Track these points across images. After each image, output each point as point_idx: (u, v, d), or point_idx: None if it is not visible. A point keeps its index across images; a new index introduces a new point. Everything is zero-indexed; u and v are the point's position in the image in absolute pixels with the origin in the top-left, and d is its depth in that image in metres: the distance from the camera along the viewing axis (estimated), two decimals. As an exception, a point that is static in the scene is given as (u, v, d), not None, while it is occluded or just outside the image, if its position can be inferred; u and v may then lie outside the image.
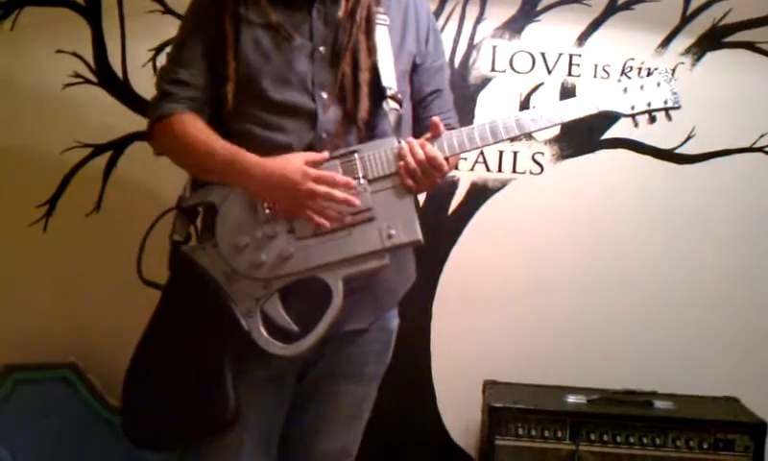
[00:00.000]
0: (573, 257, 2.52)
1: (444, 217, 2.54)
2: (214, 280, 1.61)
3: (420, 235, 1.62)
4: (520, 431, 2.26)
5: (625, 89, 1.66)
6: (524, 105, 2.51)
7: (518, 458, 2.26)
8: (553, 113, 1.66)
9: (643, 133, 2.51)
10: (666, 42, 2.49)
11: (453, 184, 2.53)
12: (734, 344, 2.54)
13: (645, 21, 2.47)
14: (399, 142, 1.64)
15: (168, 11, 2.41)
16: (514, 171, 2.53)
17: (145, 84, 2.44)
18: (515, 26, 2.50)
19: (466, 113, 2.51)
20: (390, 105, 1.67)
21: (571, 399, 2.34)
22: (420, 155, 1.60)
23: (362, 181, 1.61)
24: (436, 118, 1.65)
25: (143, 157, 2.42)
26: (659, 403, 2.34)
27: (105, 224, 2.48)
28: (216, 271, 1.62)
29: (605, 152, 2.52)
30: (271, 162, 1.60)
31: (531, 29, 2.50)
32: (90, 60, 2.45)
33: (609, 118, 2.49)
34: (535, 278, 2.53)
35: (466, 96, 2.51)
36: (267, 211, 1.61)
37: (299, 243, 1.60)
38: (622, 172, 2.53)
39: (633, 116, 1.67)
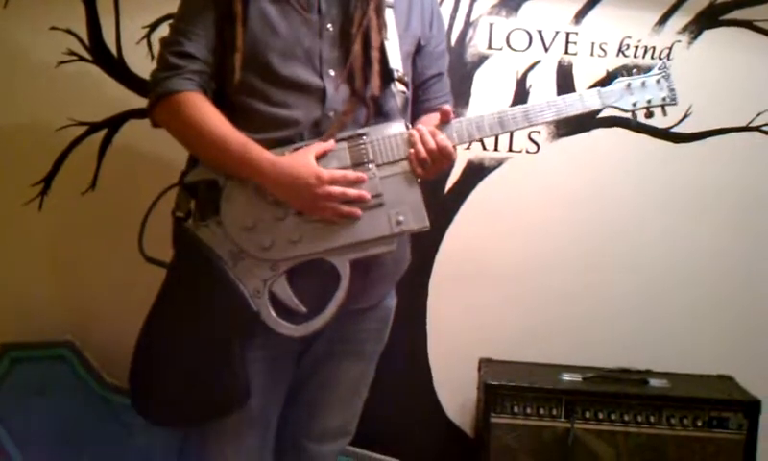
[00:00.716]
0: (569, 236, 2.52)
1: (439, 196, 2.53)
2: (220, 259, 1.60)
3: (427, 222, 1.65)
4: (516, 409, 2.27)
5: (629, 86, 1.71)
6: (521, 83, 2.50)
7: (514, 436, 2.27)
8: (561, 106, 1.70)
9: (640, 112, 2.51)
10: (663, 20, 2.48)
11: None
12: (729, 322, 2.54)
13: (642, -1, 2.46)
14: (408, 126, 1.64)
15: (163, -13, 2.40)
16: (510, 150, 2.52)
17: (140, 62, 2.43)
18: (511, 3, 2.48)
19: (462, 91, 2.50)
20: (397, 87, 1.67)
21: (566, 377, 2.35)
22: (432, 144, 1.61)
23: (371, 166, 1.62)
24: (446, 106, 1.66)
25: (138, 134, 2.45)
26: (653, 382, 2.35)
27: (100, 202, 2.47)
28: (222, 249, 1.61)
29: (601, 130, 2.51)
30: (282, 162, 1.59)
31: (528, 6, 2.48)
32: (84, 37, 2.43)
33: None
34: (531, 256, 2.53)
35: (462, 74, 2.50)
36: (272, 196, 1.61)
37: (307, 226, 1.60)
38: (618, 151, 2.52)
39: (633, 112, 1.74)
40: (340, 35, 1.67)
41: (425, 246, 2.54)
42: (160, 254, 1.72)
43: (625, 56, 2.48)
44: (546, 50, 2.50)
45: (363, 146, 1.62)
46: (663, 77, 1.72)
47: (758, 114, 2.49)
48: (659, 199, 2.53)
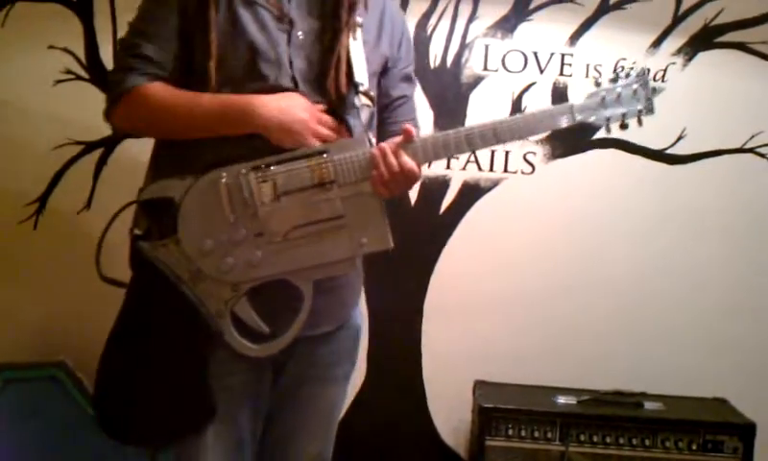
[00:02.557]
0: (564, 258, 2.52)
1: (435, 216, 2.54)
2: (180, 280, 1.56)
3: (391, 243, 1.59)
4: (510, 432, 2.27)
5: (603, 100, 1.62)
6: (516, 104, 2.51)
7: (508, 459, 2.27)
8: (532, 123, 1.62)
9: (634, 134, 2.50)
10: (658, 42, 2.49)
11: (445, 183, 2.53)
12: (724, 345, 2.54)
13: (637, 21, 2.47)
14: (371, 142, 1.60)
15: (159, 8, 2.40)
16: (505, 170, 2.53)
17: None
18: (507, 25, 2.50)
19: (458, 112, 2.52)
20: (362, 100, 1.64)
21: (561, 399, 2.34)
22: (395, 166, 1.56)
23: (333, 186, 1.57)
24: (408, 125, 1.60)
25: (134, 154, 2.44)
26: (648, 404, 2.35)
27: (95, 221, 2.46)
28: (181, 269, 1.56)
29: (596, 152, 2.52)
30: (274, 99, 1.56)
31: (523, 28, 2.50)
32: (82, 56, 2.44)
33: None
34: (526, 278, 2.53)
35: (458, 95, 2.51)
36: (232, 216, 1.55)
37: (268, 247, 1.55)
38: (614, 172, 2.53)
39: (607, 125, 1.64)
40: (311, 42, 1.64)
41: (420, 267, 2.55)
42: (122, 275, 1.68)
43: (616, 79, 2.48)
44: (542, 71, 2.51)
45: (325, 166, 1.56)
46: (641, 86, 1.61)
47: (753, 136, 2.51)
48: (654, 220, 2.53)
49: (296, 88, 1.61)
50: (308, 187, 1.56)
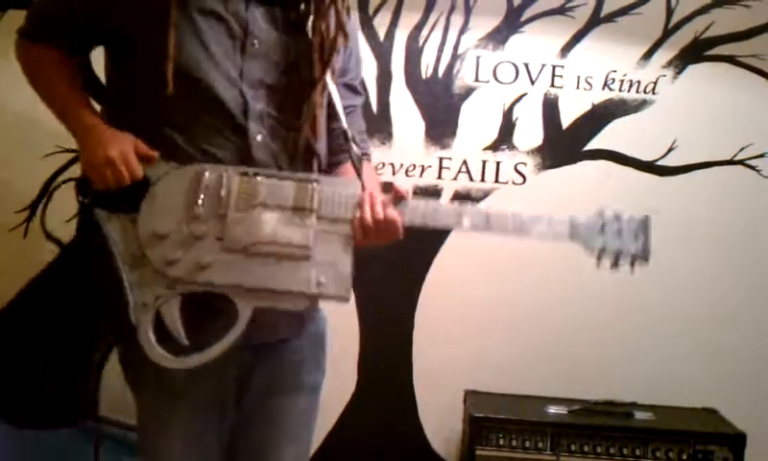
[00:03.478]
0: (555, 268, 2.52)
1: (426, 227, 2.53)
2: (119, 258, 1.46)
3: (349, 296, 1.50)
4: (501, 441, 2.27)
5: (602, 227, 1.57)
6: (507, 115, 2.52)
7: (499, 468, 2.27)
8: (526, 224, 1.56)
9: (625, 145, 2.54)
10: (649, 55, 2.51)
11: (436, 193, 2.53)
12: (714, 355, 2.55)
13: (628, 34, 2.49)
14: (363, 188, 1.54)
15: (152, 16, 2.40)
16: (496, 181, 2.54)
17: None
18: (498, 37, 2.51)
19: (449, 123, 2.53)
20: (353, 149, 1.60)
21: (552, 409, 2.34)
22: (380, 214, 1.49)
23: (312, 216, 1.50)
24: (403, 189, 1.53)
25: (125, 163, 2.44)
26: (639, 414, 2.35)
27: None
28: (125, 248, 1.46)
29: (587, 163, 2.53)
30: (103, 128, 1.54)
31: (515, 40, 2.51)
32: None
33: (591, 128, 2.52)
34: (517, 288, 2.53)
35: (449, 106, 2.52)
36: (200, 210, 1.47)
37: (222, 254, 1.46)
38: (604, 183, 2.54)
39: (599, 254, 1.59)
40: (264, 55, 1.56)
41: (412, 277, 2.55)
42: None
43: (610, 89, 2.51)
44: (533, 83, 2.52)
45: (311, 191, 1.50)
46: (642, 231, 1.57)
47: (742, 148, 2.52)
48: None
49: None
50: (287, 207, 1.49)
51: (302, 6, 1.60)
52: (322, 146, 1.61)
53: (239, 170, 1.49)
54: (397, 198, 1.52)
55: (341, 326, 2.40)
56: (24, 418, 1.58)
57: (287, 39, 1.58)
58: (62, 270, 1.55)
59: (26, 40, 1.63)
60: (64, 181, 2.47)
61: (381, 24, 2.51)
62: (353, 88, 1.74)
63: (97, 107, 1.62)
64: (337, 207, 1.50)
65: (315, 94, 1.57)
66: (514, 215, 1.57)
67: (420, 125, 2.53)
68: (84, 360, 1.52)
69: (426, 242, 2.54)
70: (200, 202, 1.47)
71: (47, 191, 2.46)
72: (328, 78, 1.60)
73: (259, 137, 1.53)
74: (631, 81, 2.52)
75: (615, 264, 1.58)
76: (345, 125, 1.62)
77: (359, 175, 1.61)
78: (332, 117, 1.66)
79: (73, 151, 2.45)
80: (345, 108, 1.68)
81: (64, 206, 2.45)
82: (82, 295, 1.50)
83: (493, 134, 2.53)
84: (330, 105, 1.65)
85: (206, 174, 1.48)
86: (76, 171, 2.46)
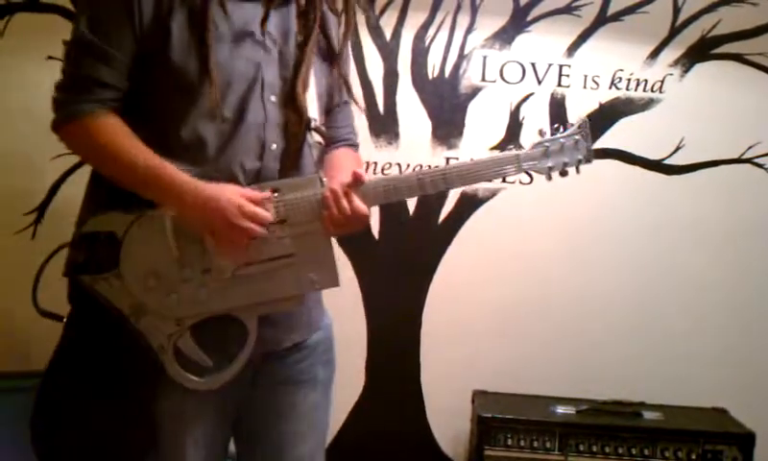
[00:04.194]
0: (563, 267, 2.52)
1: (433, 227, 2.54)
2: (121, 315, 1.51)
3: (338, 282, 1.58)
4: (509, 442, 2.26)
5: (547, 150, 1.63)
6: (514, 114, 2.52)
7: (507, 469, 2.26)
8: (480, 170, 1.61)
9: (633, 144, 2.53)
10: (655, 54, 2.50)
11: (443, 194, 2.53)
12: (723, 354, 2.55)
13: (635, 32, 2.49)
14: (322, 181, 1.57)
15: (159, 18, 2.41)
16: (503, 181, 2.53)
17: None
18: (505, 36, 2.51)
19: (456, 123, 2.53)
20: (314, 137, 1.61)
21: (560, 409, 2.34)
22: (347, 209, 1.52)
23: (284, 225, 1.54)
24: (359, 171, 1.55)
25: (132, 164, 2.44)
26: (647, 414, 2.34)
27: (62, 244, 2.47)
28: (122, 303, 1.51)
29: (595, 162, 2.51)
30: (203, 187, 1.48)
31: (521, 39, 2.51)
32: (81, 67, 2.44)
33: (598, 128, 2.52)
34: (524, 288, 2.53)
35: (456, 105, 2.52)
36: (177, 252, 1.50)
37: (214, 284, 1.51)
38: (612, 182, 2.53)
39: (548, 175, 1.66)
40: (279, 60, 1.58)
41: (419, 277, 2.55)
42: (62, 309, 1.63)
43: (617, 88, 2.50)
44: (539, 82, 2.52)
45: (276, 205, 1.53)
46: (582, 137, 1.63)
47: (750, 147, 2.51)
48: (651, 230, 2.54)
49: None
50: None
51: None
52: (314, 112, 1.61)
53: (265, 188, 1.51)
54: (357, 183, 1.54)
55: (349, 326, 2.41)
56: None
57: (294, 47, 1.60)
58: (76, 343, 1.57)
59: (74, 120, 1.51)
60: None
61: (388, 24, 2.51)
62: (344, 83, 1.74)
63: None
64: (304, 211, 1.55)
65: (306, 60, 1.58)
66: (465, 166, 1.61)
67: (427, 125, 2.53)
68: (131, 408, 1.57)
69: (434, 242, 2.54)
70: (174, 247, 1.49)
71: (55, 193, 2.47)
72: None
73: (274, 146, 1.56)
74: (638, 80, 2.51)
75: (563, 173, 1.65)
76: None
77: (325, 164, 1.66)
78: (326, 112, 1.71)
79: (81, 153, 2.46)
80: (338, 104, 1.73)
81: (72, 208, 2.47)
82: (106, 356, 1.53)
83: (500, 134, 2.53)
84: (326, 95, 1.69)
85: (169, 215, 1.49)
86: (83, 173, 2.47)
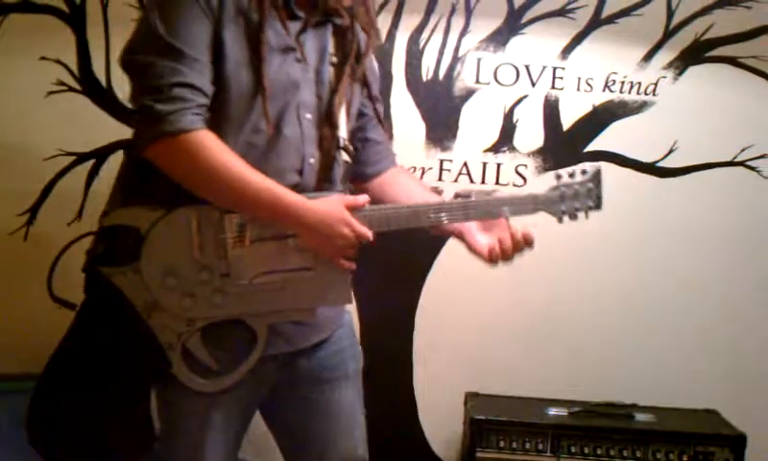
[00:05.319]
0: (556, 270, 2.52)
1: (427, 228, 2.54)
2: (133, 309, 1.52)
3: (351, 299, 1.65)
4: (502, 444, 2.27)
5: (562, 196, 1.71)
6: (508, 117, 2.52)
7: (500, 471, 2.27)
8: (497, 207, 1.68)
9: (626, 147, 2.53)
10: (649, 56, 2.50)
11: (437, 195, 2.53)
12: (714, 357, 2.55)
13: (628, 35, 2.49)
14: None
15: (152, 19, 2.41)
16: (497, 182, 2.54)
17: (129, 93, 2.43)
18: (499, 38, 2.51)
19: (450, 125, 2.53)
20: (342, 156, 1.64)
21: (552, 411, 2.34)
22: (351, 236, 1.55)
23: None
24: (358, 200, 1.59)
25: (126, 165, 2.44)
26: (639, 416, 2.35)
27: (86, 232, 2.47)
28: (137, 298, 1.52)
29: (587, 164, 2.51)
30: (316, 206, 1.52)
31: (515, 42, 2.51)
32: (74, 67, 2.44)
33: (592, 130, 2.52)
34: (517, 290, 2.53)
35: (450, 108, 2.52)
36: (199, 254, 1.51)
37: (231, 289, 1.53)
38: (605, 185, 2.53)
39: (560, 218, 1.74)
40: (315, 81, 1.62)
41: (413, 278, 2.55)
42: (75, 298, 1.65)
43: (611, 91, 2.51)
44: (533, 85, 2.52)
45: None
46: (595, 185, 1.73)
47: (743, 149, 2.52)
48: (644, 233, 2.54)
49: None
50: (281, 236, 1.55)
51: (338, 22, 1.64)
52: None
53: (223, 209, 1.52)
54: (356, 208, 1.58)
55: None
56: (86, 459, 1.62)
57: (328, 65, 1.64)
58: (86, 331, 1.57)
59: (178, 134, 1.44)
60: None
61: (382, 26, 2.49)
62: (377, 99, 1.80)
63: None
64: None
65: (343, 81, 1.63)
66: (485, 202, 1.68)
67: (421, 127, 2.53)
68: (133, 402, 1.59)
69: (427, 244, 2.54)
70: (196, 249, 1.51)
71: (48, 194, 2.46)
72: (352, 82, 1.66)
73: (312, 161, 1.60)
74: (631, 82, 2.51)
75: (573, 218, 1.74)
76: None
77: (355, 182, 1.73)
78: (363, 128, 1.77)
79: (74, 154, 2.46)
80: (366, 116, 1.78)
81: (65, 208, 2.47)
82: (115, 348, 1.54)
83: (494, 136, 2.53)
84: (360, 114, 1.75)
85: (195, 217, 1.51)
86: (76, 174, 2.48)
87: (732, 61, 2.50)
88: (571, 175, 1.72)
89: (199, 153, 1.44)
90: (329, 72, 1.63)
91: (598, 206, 1.74)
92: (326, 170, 1.62)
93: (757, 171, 2.53)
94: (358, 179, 1.78)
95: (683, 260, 2.54)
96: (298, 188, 1.55)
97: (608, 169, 2.49)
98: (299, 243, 1.54)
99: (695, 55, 2.50)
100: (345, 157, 1.66)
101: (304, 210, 1.51)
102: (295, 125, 1.57)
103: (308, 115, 1.59)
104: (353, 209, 1.56)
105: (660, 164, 2.53)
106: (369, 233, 1.56)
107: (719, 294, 2.56)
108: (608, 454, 2.26)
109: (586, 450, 2.26)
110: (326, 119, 1.62)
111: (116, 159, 2.45)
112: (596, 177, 1.74)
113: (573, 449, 2.26)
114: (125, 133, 2.42)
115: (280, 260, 1.55)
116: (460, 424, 2.46)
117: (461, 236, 1.74)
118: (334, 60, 1.64)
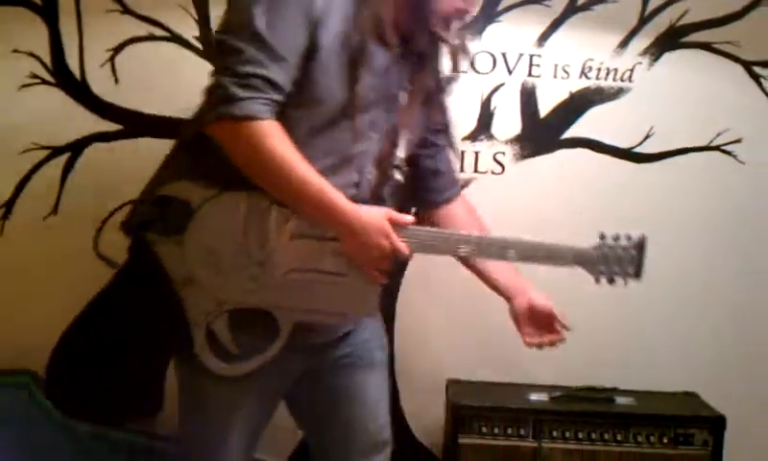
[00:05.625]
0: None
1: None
2: (168, 280, 1.58)
3: (376, 313, 1.77)
4: (484, 429, 2.27)
5: (604, 258, 1.74)
6: (485, 105, 2.52)
7: (482, 456, 2.27)
8: (536, 253, 1.75)
9: (603, 133, 2.54)
10: (625, 43, 2.51)
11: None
12: (693, 340, 2.57)
13: (604, 22, 2.49)
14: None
15: (127, 10, 2.39)
16: (476, 170, 2.54)
17: (103, 85, 2.42)
18: (476, 26, 2.50)
19: (427, 113, 2.52)
20: (395, 176, 1.71)
21: (534, 396, 2.36)
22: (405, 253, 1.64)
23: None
24: (411, 217, 1.66)
25: (101, 158, 2.43)
26: (620, 400, 2.37)
27: (62, 227, 2.44)
28: (174, 270, 1.58)
29: (565, 151, 2.54)
30: (361, 212, 1.57)
31: (492, 29, 2.51)
32: (47, 60, 2.41)
33: (569, 117, 2.53)
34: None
35: (427, 96, 2.52)
36: (242, 239, 1.57)
37: (263, 279, 1.58)
38: (582, 171, 2.55)
39: (597, 278, 1.77)
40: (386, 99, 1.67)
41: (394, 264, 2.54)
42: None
43: (588, 77, 2.51)
44: (510, 72, 2.52)
45: None
46: (638, 253, 1.75)
47: (718, 134, 2.54)
48: (621, 218, 2.54)
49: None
50: (323, 237, 1.60)
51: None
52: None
53: (275, 199, 1.57)
54: (399, 224, 1.63)
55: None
56: (97, 413, 1.72)
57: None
58: (121, 291, 1.63)
59: (248, 120, 1.49)
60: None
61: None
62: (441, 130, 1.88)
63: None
64: None
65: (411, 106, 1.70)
66: (526, 244, 1.76)
67: (399, 116, 2.52)
68: (151, 367, 1.64)
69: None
70: (240, 233, 1.57)
71: (23, 189, 2.44)
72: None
73: (369, 177, 1.66)
74: (608, 69, 2.52)
75: (611, 281, 1.77)
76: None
77: (420, 215, 1.80)
78: (433, 157, 1.87)
79: (49, 148, 2.43)
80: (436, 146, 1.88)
81: (41, 202, 2.44)
82: (145, 312, 1.60)
83: (472, 124, 2.53)
84: (432, 144, 1.85)
85: (245, 202, 1.57)
86: (51, 167, 2.45)
87: (707, 47, 2.52)
88: (616, 238, 1.75)
89: (259, 140, 1.49)
90: (404, 96, 1.69)
91: (638, 275, 1.76)
92: (381, 187, 1.68)
93: (733, 155, 2.55)
94: (425, 206, 1.89)
95: (660, 245, 2.51)
96: (352, 201, 1.59)
97: (585, 155, 2.54)
98: (337, 248, 1.59)
99: (670, 41, 2.51)
100: (398, 176, 1.72)
101: (348, 212, 1.56)
102: (367, 141, 1.63)
103: (375, 134, 1.64)
104: (396, 225, 1.61)
105: (636, 150, 2.54)
106: (405, 249, 1.62)
107: (697, 278, 2.58)
108: (589, 438, 2.27)
109: (567, 435, 2.27)
110: (390, 140, 1.68)
111: (91, 153, 2.44)
112: (640, 245, 1.75)
113: (555, 434, 2.27)
114: (100, 126, 2.43)
115: (316, 261, 1.60)
116: (442, 411, 2.46)
117: (509, 301, 1.90)
118: (410, 87, 1.70)
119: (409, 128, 1.71)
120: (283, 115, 1.52)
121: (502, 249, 1.72)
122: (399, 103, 1.68)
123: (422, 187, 1.87)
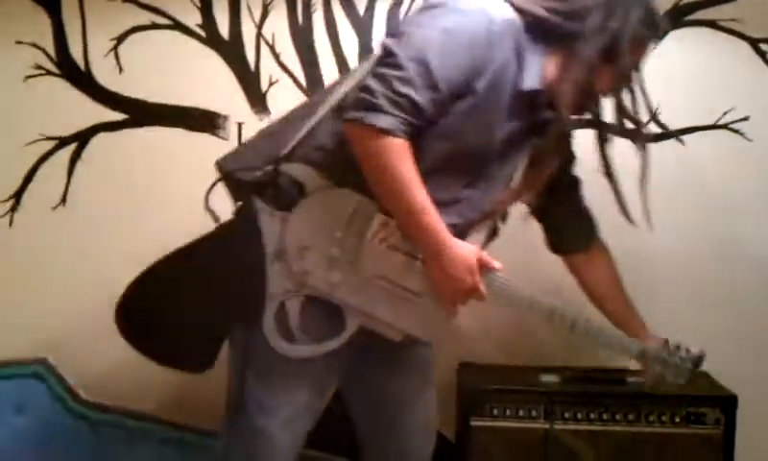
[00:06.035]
0: (542, 236, 2.52)
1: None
2: (262, 250, 1.62)
3: (440, 343, 1.87)
4: (495, 412, 2.27)
5: (663, 361, 1.86)
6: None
7: (494, 438, 2.27)
8: (603, 338, 1.86)
9: (608, 113, 2.52)
10: (630, 22, 2.50)
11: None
12: (704, 319, 2.56)
13: (609, 1, 2.48)
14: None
15: (128, -1, 2.39)
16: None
17: (108, 75, 2.42)
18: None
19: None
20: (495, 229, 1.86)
21: (545, 378, 2.35)
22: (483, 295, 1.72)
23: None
24: (490, 261, 1.75)
25: (108, 148, 2.44)
26: (631, 380, 2.36)
27: (71, 217, 2.45)
28: (270, 243, 1.63)
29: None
30: (455, 243, 1.65)
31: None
32: (51, 51, 2.41)
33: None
34: (507, 258, 2.51)
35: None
36: (340, 234, 1.63)
37: (348, 277, 1.64)
38: (587, 151, 2.53)
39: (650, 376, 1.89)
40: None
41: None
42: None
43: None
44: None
45: None
46: (693, 368, 1.85)
47: (725, 112, 2.52)
48: (628, 198, 2.54)
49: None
50: (414, 256, 1.67)
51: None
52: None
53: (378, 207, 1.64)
54: (486, 266, 1.73)
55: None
56: (160, 357, 1.73)
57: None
58: (214, 245, 1.67)
59: (386, 134, 1.55)
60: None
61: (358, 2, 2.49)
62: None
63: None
64: None
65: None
66: (595, 327, 1.88)
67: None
68: (217, 331, 1.69)
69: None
70: (342, 227, 1.64)
71: (31, 180, 2.44)
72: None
73: (468, 222, 1.75)
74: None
75: (662, 380, 1.88)
76: None
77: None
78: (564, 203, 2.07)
79: (55, 138, 2.43)
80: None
81: (49, 193, 2.44)
82: (228, 271, 1.65)
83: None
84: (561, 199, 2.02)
85: (355, 203, 1.64)
86: (58, 158, 2.45)
87: (712, 25, 2.50)
88: (677, 347, 1.87)
89: (390, 155, 1.55)
90: (522, 159, 1.80)
91: (681, 384, 1.89)
92: (475, 229, 1.77)
93: (740, 133, 2.54)
94: (560, 251, 2.12)
95: (667, 224, 2.54)
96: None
97: (589, 135, 2.52)
98: (423, 268, 1.66)
99: (675, 19, 2.50)
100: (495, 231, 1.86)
101: (443, 240, 1.63)
102: (477, 190, 1.72)
103: (486, 185, 1.73)
104: (483, 267, 1.69)
105: (642, 129, 2.52)
106: (484, 292, 1.70)
107: (706, 257, 2.57)
108: (601, 419, 2.27)
109: (579, 416, 2.27)
110: (503, 194, 1.80)
111: (98, 142, 2.44)
112: (697, 362, 1.87)
113: (566, 415, 2.27)
114: (106, 115, 2.43)
115: (400, 275, 1.66)
116: (453, 394, 2.46)
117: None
118: (542, 145, 1.79)
119: (526, 189, 1.84)
120: (415, 140, 1.59)
121: (572, 326, 1.84)
122: (517, 164, 1.78)
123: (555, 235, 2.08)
